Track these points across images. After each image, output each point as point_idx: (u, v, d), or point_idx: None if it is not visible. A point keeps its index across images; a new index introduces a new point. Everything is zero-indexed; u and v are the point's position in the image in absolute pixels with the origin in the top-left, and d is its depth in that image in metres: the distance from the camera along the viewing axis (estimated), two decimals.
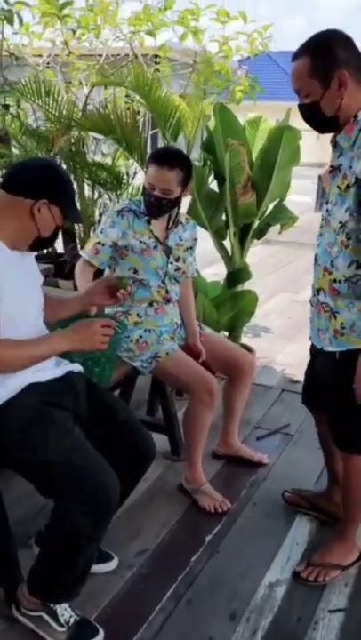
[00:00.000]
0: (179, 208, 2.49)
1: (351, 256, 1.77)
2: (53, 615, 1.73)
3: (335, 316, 1.85)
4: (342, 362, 1.85)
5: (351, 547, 2.11)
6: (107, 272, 2.58)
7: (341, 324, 1.84)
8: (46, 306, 1.88)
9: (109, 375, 2.25)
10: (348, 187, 1.74)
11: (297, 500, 2.39)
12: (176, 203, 2.40)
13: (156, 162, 2.33)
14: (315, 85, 1.71)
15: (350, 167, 1.73)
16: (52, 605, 1.73)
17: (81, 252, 2.50)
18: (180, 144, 3.36)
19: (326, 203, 1.88)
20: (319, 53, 1.70)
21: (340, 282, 1.82)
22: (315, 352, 2.04)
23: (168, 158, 2.34)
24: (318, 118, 1.77)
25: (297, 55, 1.75)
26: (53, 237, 1.81)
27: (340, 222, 1.77)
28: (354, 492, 2.04)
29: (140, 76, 3.21)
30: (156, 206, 2.37)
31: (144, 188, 2.40)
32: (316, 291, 1.92)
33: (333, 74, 1.69)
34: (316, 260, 1.93)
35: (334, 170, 1.82)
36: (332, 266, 1.83)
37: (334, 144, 1.82)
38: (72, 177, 3.77)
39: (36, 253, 1.88)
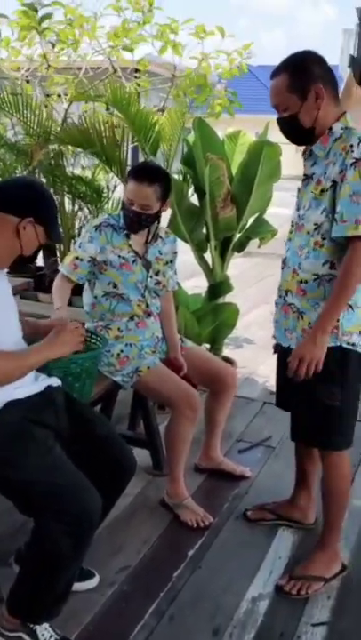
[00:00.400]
0: (158, 222, 2.50)
1: (326, 255, 1.87)
2: (33, 635, 1.70)
3: (302, 316, 1.95)
4: None
5: (334, 557, 2.12)
6: (85, 295, 2.55)
7: (309, 323, 1.93)
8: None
9: (90, 390, 2.23)
10: (322, 191, 1.86)
11: (260, 515, 2.40)
12: (155, 217, 2.41)
13: (135, 177, 2.34)
14: (293, 99, 1.85)
15: (325, 173, 1.86)
16: (32, 625, 1.71)
17: (59, 267, 2.49)
18: (160, 158, 3.38)
19: (298, 209, 1.99)
20: (297, 70, 1.84)
21: (306, 282, 1.92)
22: (281, 350, 2.09)
23: (147, 173, 2.35)
24: (297, 130, 1.89)
25: (276, 73, 1.89)
26: (34, 256, 1.83)
27: (316, 224, 1.88)
28: (334, 494, 2.07)
29: (117, 90, 3.23)
30: (136, 221, 2.37)
31: (123, 203, 2.41)
32: (285, 292, 2.02)
33: (310, 87, 1.83)
34: (285, 263, 2.03)
35: (307, 178, 1.95)
36: (300, 267, 1.93)
37: (309, 153, 1.95)
38: (52, 190, 3.78)
39: (6, 271, 1.87)
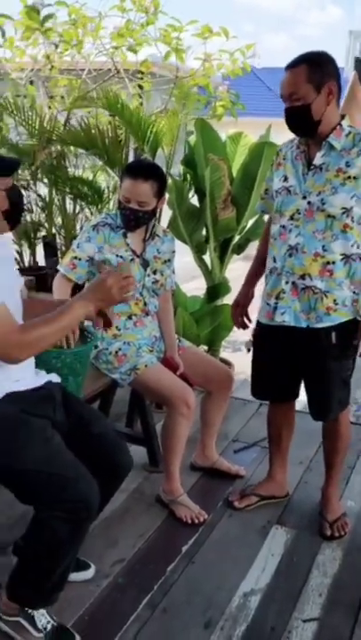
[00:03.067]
0: (155, 220, 2.53)
1: (354, 237, 2.05)
2: (31, 620, 1.74)
3: (326, 296, 2.10)
4: (338, 332, 2.12)
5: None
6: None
7: (334, 300, 2.10)
8: (31, 314, 1.89)
9: (74, 388, 2.15)
10: (349, 178, 2.00)
11: (246, 501, 2.49)
12: (152, 215, 2.44)
13: (130, 174, 2.37)
14: (309, 90, 1.96)
15: (347, 163, 2.01)
16: (29, 611, 1.75)
17: (58, 267, 2.53)
18: (160, 159, 3.41)
19: (304, 197, 2.08)
20: (315, 64, 1.97)
21: (333, 263, 2.07)
22: (297, 332, 2.18)
23: (142, 170, 2.38)
24: (306, 121, 2.00)
25: (293, 64, 1.99)
26: (14, 201, 1.75)
27: (344, 208, 2.02)
28: (344, 444, 2.37)
29: (109, 94, 3.24)
30: (133, 219, 2.40)
31: (119, 202, 2.44)
32: (299, 277, 2.12)
33: (325, 83, 1.97)
34: (295, 249, 2.11)
35: (315, 167, 2.06)
36: (325, 250, 2.07)
37: (321, 145, 2.05)
38: (53, 191, 3.82)
39: (11, 239, 1.88)
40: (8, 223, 1.76)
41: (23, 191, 1.90)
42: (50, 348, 1.72)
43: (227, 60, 4.00)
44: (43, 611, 1.77)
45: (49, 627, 1.75)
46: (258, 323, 2.34)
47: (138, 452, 2.64)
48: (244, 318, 2.52)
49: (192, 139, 3.49)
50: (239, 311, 2.51)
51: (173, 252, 2.65)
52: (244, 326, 2.53)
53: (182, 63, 3.84)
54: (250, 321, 2.51)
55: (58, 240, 4.00)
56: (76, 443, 1.81)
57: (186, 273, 2.72)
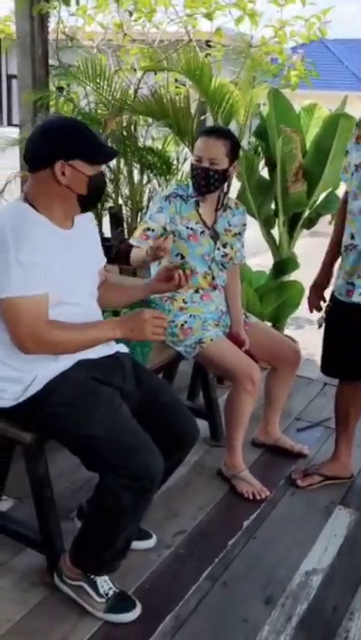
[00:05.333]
0: (228, 188, 2.47)
1: None
2: (93, 586, 1.78)
3: None
4: None
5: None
6: (153, 267, 2.55)
7: None
8: (104, 291, 1.90)
9: (141, 359, 2.20)
10: None
11: (309, 480, 2.46)
12: (224, 178, 2.39)
13: (203, 134, 2.41)
14: None
15: None
16: (92, 576, 1.78)
17: (131, 240, 2.50)
18: (233, 130, 3.33)
19: None
20: None
21: None
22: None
23: (215, 130, 2.46)
24: None
25: None
26: (95, 190, 1.72)
27: None
28: None
29: (191, 60, 3.19)
30: (204, 178, 2.35)
31: (192, 166, 2.41)
32: None
33: None
34: None
35: None
36: None
37: None
38: (122, 161, 3.80)
39: (92, 220, 1.87)
40: (80, 207, 1.74)
41: None
42: (61, 354, 1.71)
43: (301, 28, 3.85)
44: (105, 577, 1.80)
45: (111, 593, 1.78)
46: (332, 299, 2.27)
47: (199, 426, 2.63)
48: (320, 301, 2.45)
49: (264, 109, 3.39)
50: (317, 293, 2.44)
51: (244, 225, 2.60)
52: (319, 309, 2.46)
53: (255, 27, 3.70)
54: (325, 302, 2.43)
55: (124, 211, 3.99)
56: (146, 412, 1.81)
57: (248, 249, 2.66)
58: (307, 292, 2.55)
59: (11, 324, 1.63)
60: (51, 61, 3.74)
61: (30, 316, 1.61)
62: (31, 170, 1.69)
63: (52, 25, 3.71)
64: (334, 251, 2.36)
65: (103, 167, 1.91)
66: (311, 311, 2.50)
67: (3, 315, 1.64)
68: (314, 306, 2.48)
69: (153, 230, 2.42)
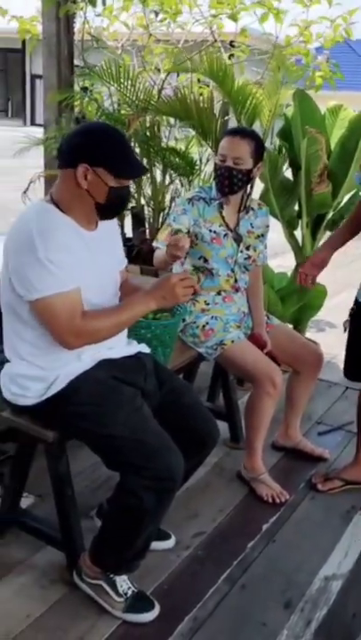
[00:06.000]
0: (251, 188, 2.46)
1: None
2: (112, 585, 1.78)
3: None
4: None
5: None
6: (175, 268, 2.54)
7: None
8: (124, 293, 1.89)
9: (161, 359, 2.18)
10: None
11: (330, 484, 2.43)
12: (248, 178, 2.37)
13: (228, 134, 2.41)
14: None
15: None
16: (111, 575, 1.78)
17: (155, 244, 2.49)
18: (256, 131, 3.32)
19: None
20: None
21: None
22: None
23: (240, 130, 2.46)
24: None
25: None
26: (114, 202, 1.69)
27: None
28: None
29: (213, 62, 3.18)
30: (227, 178, 2.34)
31: (215, 166, 2.40)
32: None
33: None
34: None
35: None
36: None
37: None
38: (145, 161, 3.81)
39: (115, 221, 1.87)
40: (99, 214, 1.73)
41: None
42: (104, 340, 1.72)
43: (327, 28, 3.83)
44: (124, 576, 1.80)
45: (130, 592, 1.79)
46: (356, 303, 2.24)
47: (219, 428, 2.63)
48: (309, 279, 2.45)
49: (289, 110, 3.37)
50: (309, 269, 2.45)
51: (267, 226, 2.59)
52: (307, 282, 2.47)
53: (281, 24, 3.67)
54: (313, 284, 2.45)
55: (146, 212, 4.00)
56: (167, 413, 1.81)
57: (269, 250, 2.64)
58: (329, 295, 2.53)
59: (49, 322, 1.64)
60: (76, 62, 3.77)
61: (67, 311, 1.62)
62: (59, 166, 1.70)
63: (77, 25, 3.73)
64: (344, 237, 2.39)
65: None
66: (300, 283, 2.51)
67: (38, 315, 1.65)
68: (303, 280, 2.48)
69: (177, 232, 2.41)
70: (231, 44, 4.09)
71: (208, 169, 3.72)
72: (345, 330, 2.37)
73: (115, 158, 1.64)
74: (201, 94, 3.58)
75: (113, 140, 1.66)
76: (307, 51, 3.71)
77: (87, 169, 1.62)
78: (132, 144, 3.63)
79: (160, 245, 2.41)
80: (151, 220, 3.95)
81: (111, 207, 1.71)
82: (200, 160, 3.71)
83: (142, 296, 1.72)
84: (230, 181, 2.35)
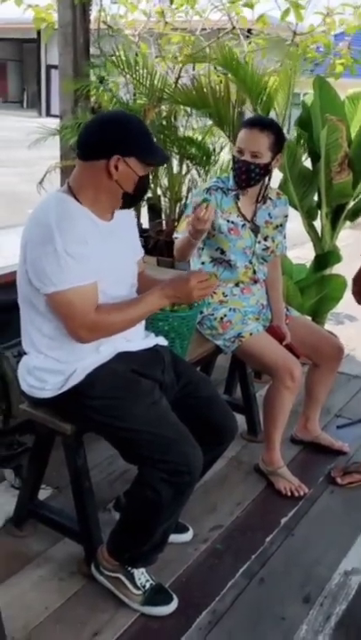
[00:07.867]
0: (269, 180, 2.42)
1: None
2: (130, 578, 1.77)
3: None
4: None
5: None
6: (193, 263, 2.51)
7: None
8: (141, 284, 1.87)
9: (179, 352, 2.17)
10: None
11: (349, 478, 2.40)
12: (266, 171, 2.32)
13: (246, 125, 2.32)
14: None
15: None
16: (129, 568, 1.78)
17: (175, 235, 2.46)
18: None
19: None
20: None
21: None
22: None
23: (260, 121, 2.36)
24: None
25: None
26: (140, 190, 1.72)
27: None
28: None
29: (225, 51, 3.12)
30: (245, 172, 2.29)
31: (233, 158, 2.36)
32: None
33: None
34: None
35: None
36: None
37: None
38: None
39: (131, 211, 1.87)
40: (123, 203, 1.73)
41: None
42: (121, 332, 1.72)
43: (350, 15, 3.75)
44: (142, 569, 1.80)
45: (148, 585, 1.78)
46: None
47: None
48: None
49: (308, 97, 3.31)
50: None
51: (286, 216, 2.54)
52: None
53: (300, 21, 3.62)
54: None
55: (162, 202, 3.97)
56: (185, 406, 1.80)
57: (288, 240, 2.60)
58: (349, 286, 2.47)
59: (64, 316, 1.63)
60: (91, 50, 3.74)
61: (81, 305, 1.61)
62: (84, 158, 1.67)
63: (93, 13, 3.70)
64: None
65: None
66: (359, 303, 2.37)
67: (53, 308, 1.64)
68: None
69: (204, 202, 2.35)
70: (249, 31, 4.03)
71: (223, 157, 3.68)
72: None
73: (145, 148, 1.66)
74: (220, 82, 3.52)
75: (139, 128, 1.67)
76: (328, 40, 3.63)
77: (119, 159, 1.62)
78: None
79: (180, 235, 2.39)
80: (167, 211, 3.92)
81: (136, 196, 1.73)
82: (215, 149, 3.66)
83: (157, 292, 1.72)
84: (247, 175, 2.31)
